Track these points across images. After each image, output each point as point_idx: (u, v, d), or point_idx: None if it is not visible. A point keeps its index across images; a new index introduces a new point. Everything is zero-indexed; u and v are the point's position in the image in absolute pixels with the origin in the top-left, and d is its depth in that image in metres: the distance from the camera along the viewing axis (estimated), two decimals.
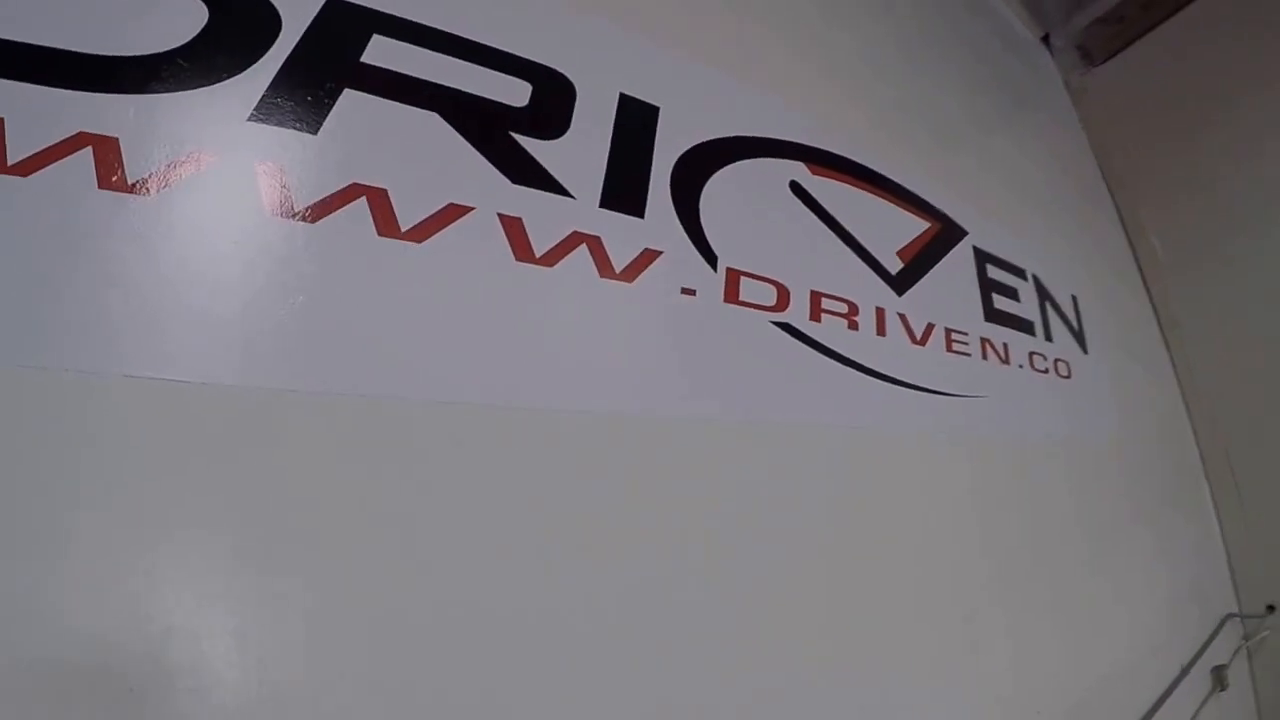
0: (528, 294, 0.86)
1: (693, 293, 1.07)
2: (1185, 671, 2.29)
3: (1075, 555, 1.77)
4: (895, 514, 1.22)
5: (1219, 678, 2.62)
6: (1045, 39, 3.43)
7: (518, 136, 0.94)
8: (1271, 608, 3.24)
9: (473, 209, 0.84)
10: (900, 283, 1.51)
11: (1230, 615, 3.16)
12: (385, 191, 0.77)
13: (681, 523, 0.90)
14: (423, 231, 0.79)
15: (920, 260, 1.61)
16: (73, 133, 0.63)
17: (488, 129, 0.91)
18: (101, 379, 0.59)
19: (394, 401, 0.71)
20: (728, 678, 0.87)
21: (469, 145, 0.88)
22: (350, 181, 0.75)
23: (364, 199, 0.75)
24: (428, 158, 0.83)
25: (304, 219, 0.72)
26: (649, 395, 0.94)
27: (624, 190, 1.05)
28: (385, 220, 0.76)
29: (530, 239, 0.89)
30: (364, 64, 0.81)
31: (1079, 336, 2.17)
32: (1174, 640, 2.38)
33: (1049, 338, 1.95)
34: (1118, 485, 2.29)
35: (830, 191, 1.48)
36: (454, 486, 0.71)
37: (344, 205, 0.74)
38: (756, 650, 0.92)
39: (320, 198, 0.73)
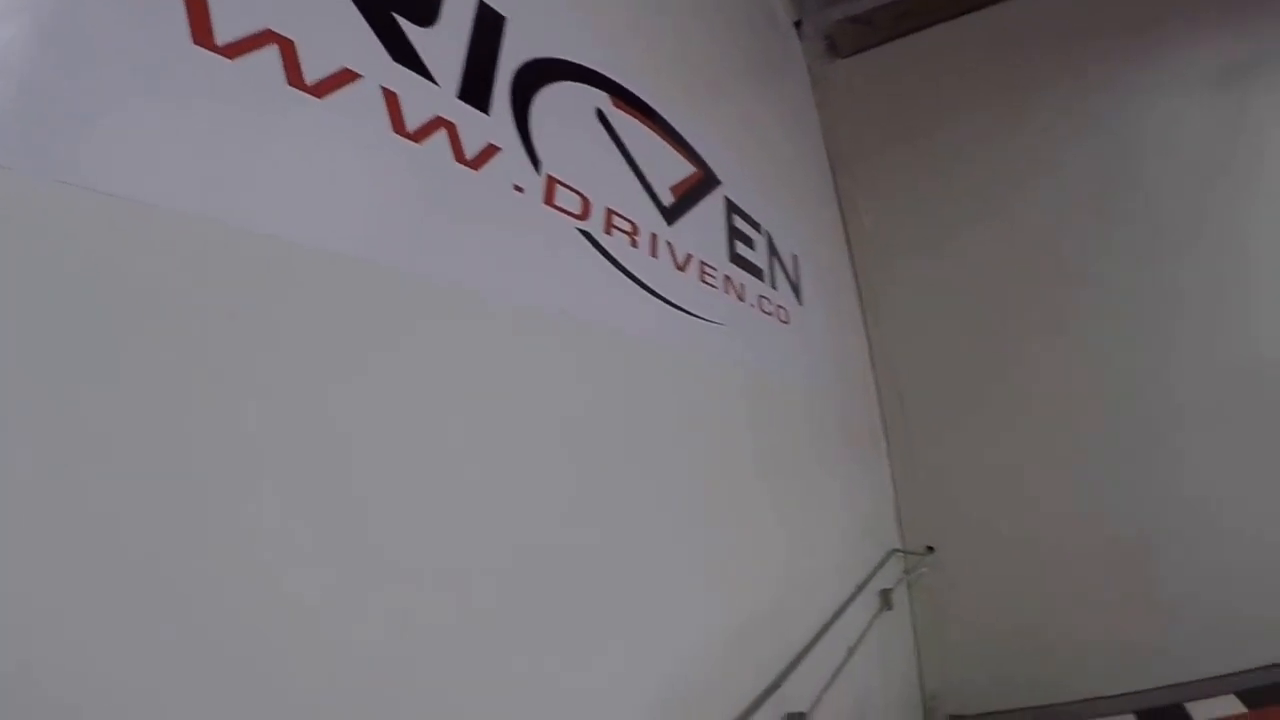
0: (399, 165, 0.97)
1: (521, 190, 1.23)
2: (860, 589, 2.83)
3: (784, 479, 2.19)
4: (638, 417, 1.43)
5: (885, 599, 3.35)
6: (798, 24, 3.89)
7: (397, 16, 1.03)
8: (930, 548, 4.15)
9: (362, 77, 0.93)
10: (670, 215, 1.79)
11: (896, 550, 4.00)
12: (293, 43, 0.84)
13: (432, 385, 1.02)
14: (322, 89, 0.86)
15: (686, 199, 1.90)
16: None
17: (375, 2, 0.99)
18: None
19: (274, 240, 0.79)
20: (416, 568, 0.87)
21: (361, 16, 0.95)
22: (265, 27, 0.81)
23: (276, 46, 0.82)
24: (326, 18, 0.90)
25: (224, 54, 0.77)
26: (479, 272, 1.09)
27: (476, 87, 1.17)
28: (293, 71, 0.83)
29: (404, 115, 0.99)
30: None
31: (796, 290, 2.63)
32: (851, 563, 2.96)
33: (774, 286, 2.37)
34: (821, 425, 2.80)
35: (625, 124, 1.70)
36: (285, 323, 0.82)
37: (258, 49, 0.80)
38: (454, 535, 0.91)
39: (238, 38, 0.78)
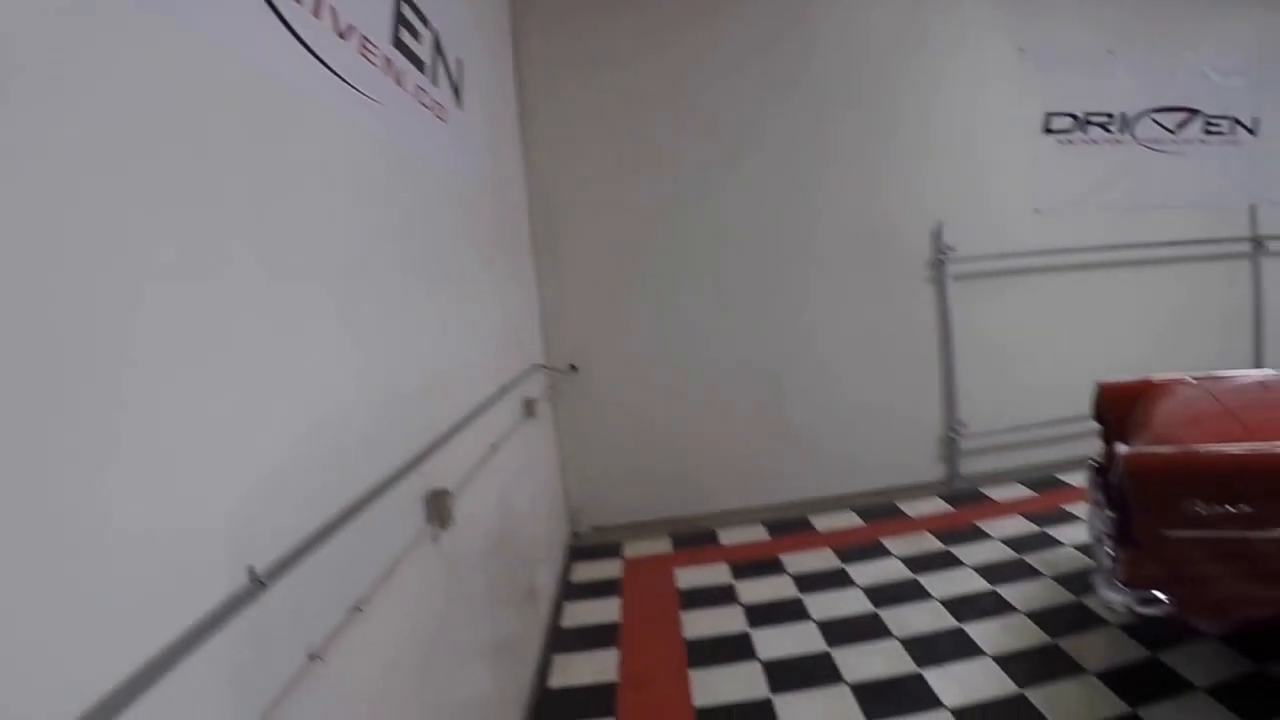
0: None
1: None
2: (504, 391, 3.02)
3: (435, 267, 2.28)
4: (276, 171, 1.41)
5: (529, 408, 3.65)
6: None
7: None
8: (574, 367, 4.54)
9: None
10: None
11: (540, 365, 4.33)
12: None
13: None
14: None
15: None
16: None
17: None
18: None
19: None
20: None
21: None
22: None
23: None
24: None
25: None
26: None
27: None
28: None
29: None
30: None
31: (458, 92, 2.73)
32: (498, 366, 3.10)
33: (435, 83, 2.45)
34: (472, 225, 2.93)
35: None
36: None
37: None
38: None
39: None
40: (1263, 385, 3.04)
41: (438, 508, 1.99)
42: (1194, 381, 3.16)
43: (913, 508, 4.70)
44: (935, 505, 4.72)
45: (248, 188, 1.29)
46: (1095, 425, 3.30)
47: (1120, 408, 3.14)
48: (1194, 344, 5.13)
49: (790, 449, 4.82)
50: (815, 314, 4.82)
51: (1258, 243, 5.41)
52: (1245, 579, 2.17)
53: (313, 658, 1.27)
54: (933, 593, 3.50)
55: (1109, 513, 2.40)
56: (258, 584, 1.12)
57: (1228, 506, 2.12)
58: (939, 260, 4.86)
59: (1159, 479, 2.24)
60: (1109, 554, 2.40)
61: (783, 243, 4.75)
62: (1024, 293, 5.02)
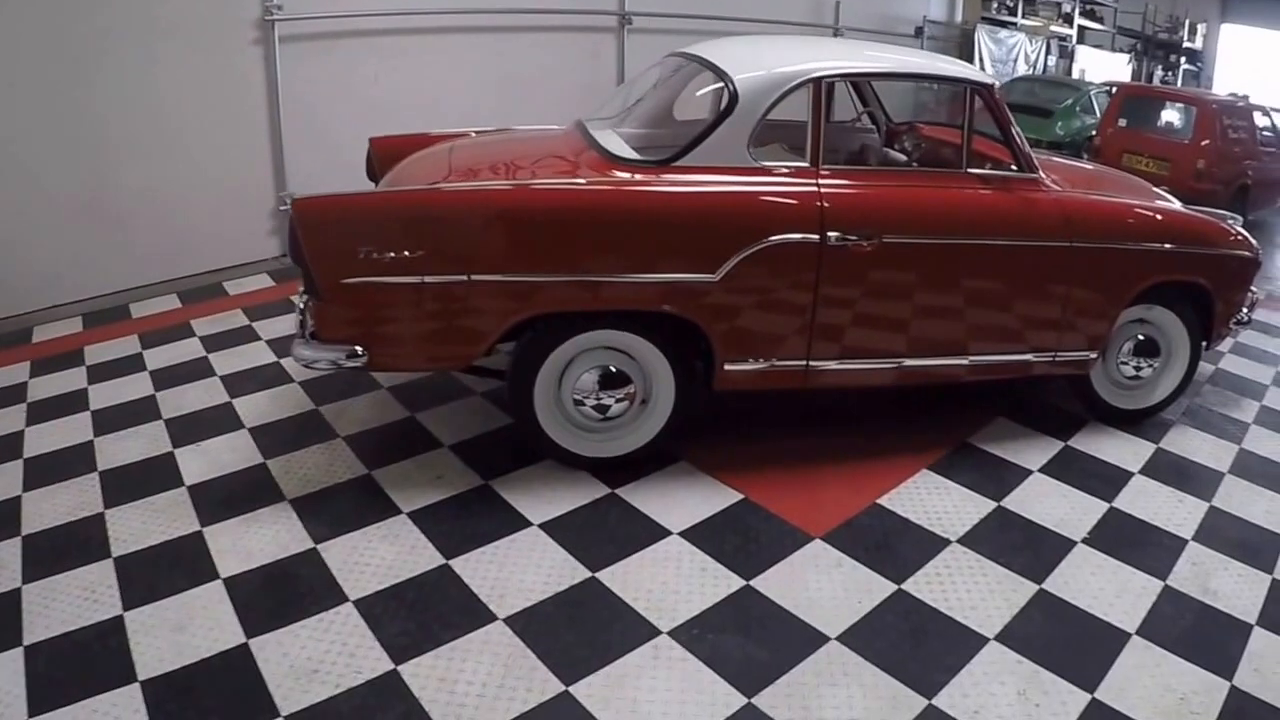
0: None
1: None
2: None
3: None
4: None
5: None
6: None
7: None
8: None
9: None
10: None
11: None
12: None
13: None
14: None
15: None
16: None
17: None
18: None
19: None
20: None
21: None
22: None
23: None
24: None
25: None
26: None
27: None
28: None
29: None
30: None
31: None
32: None
33: None
34: None
35: None
36: None
37: None
38: None
39: None
40: (543, 138, 3.14)
41: None
42: (474, 135, 3.34)
43: (238, 286, 4.58)
44: (261, 282, 4.65)
45: None
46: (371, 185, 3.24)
47: (391, 164, 3.15)
48: (549, 111, 5.56)
49: (112, 235, 4.22)
50: (130, 87, 4.11)
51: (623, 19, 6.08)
52: (425, 326, 2.40)
53: None
54: (219, 370, 3.50)
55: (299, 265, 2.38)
56: None
57: (400, 252, 2.27)
58: (267, 21, 4.45)
59: (329, 224, 2.30)
60: (302, 308, 2.43)
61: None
62: (360, 56, 4.93)
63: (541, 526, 2.49)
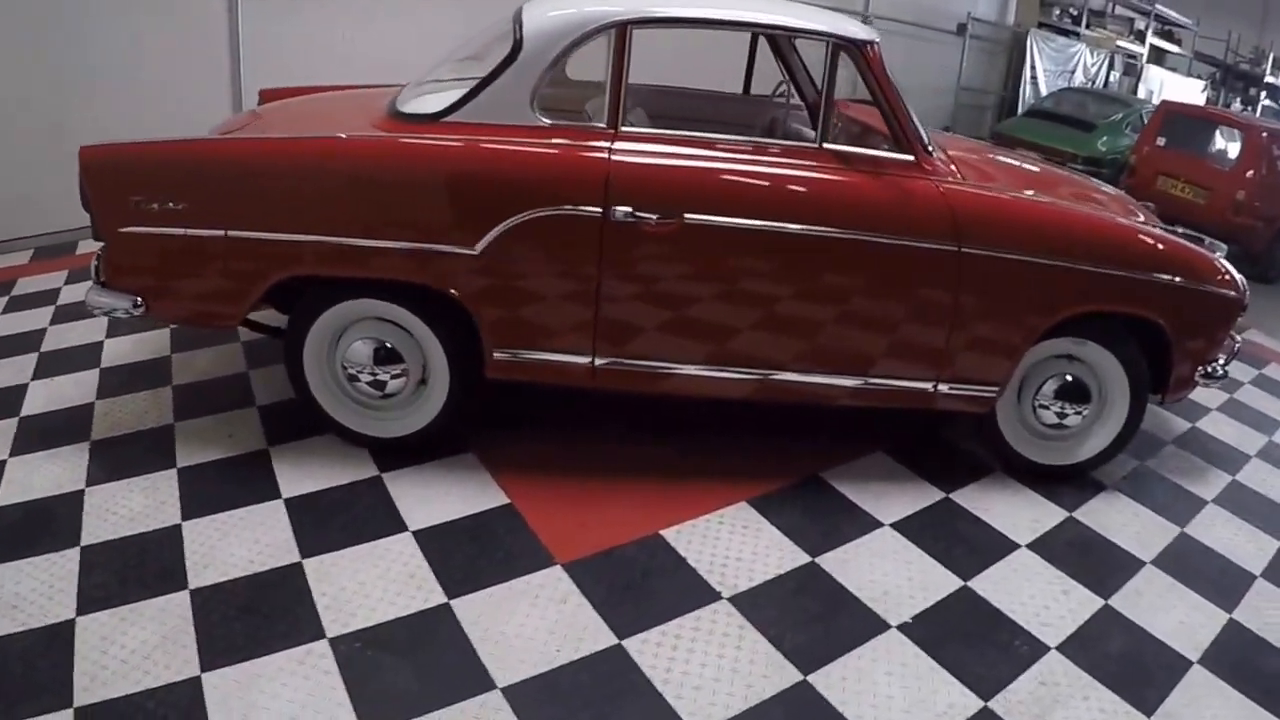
0: None
1: None
2: None
3: None
4: None
5: None
6: None
7: None
8: None
9: None
10: None
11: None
12: None
13: None
14: None
15: None
16: None
17: None
18: None
19: None
20: None
21: None
22: None
23: None
24: None
25: None
26: None
27: None
28: None
29: None
30: None
31: None
32: None
33: None
34: None
35: None
36: None
37: None
38: None
39: None
40: (375, 95, 2.79)
41: None
42: (353, 91, 3.13)
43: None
44: None
45: None
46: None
47: None
48: None
49: (69, 179, 4.22)
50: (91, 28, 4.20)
51: None
52: (191, 281, 2.33)
53: None
54: None
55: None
56: None
57: (165, 203, 2.20)
58: None
59: (106, 171, 2.25)
60: (97, 256, 2.39)
61: None
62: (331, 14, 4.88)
63: (286, 501, 2.34)
